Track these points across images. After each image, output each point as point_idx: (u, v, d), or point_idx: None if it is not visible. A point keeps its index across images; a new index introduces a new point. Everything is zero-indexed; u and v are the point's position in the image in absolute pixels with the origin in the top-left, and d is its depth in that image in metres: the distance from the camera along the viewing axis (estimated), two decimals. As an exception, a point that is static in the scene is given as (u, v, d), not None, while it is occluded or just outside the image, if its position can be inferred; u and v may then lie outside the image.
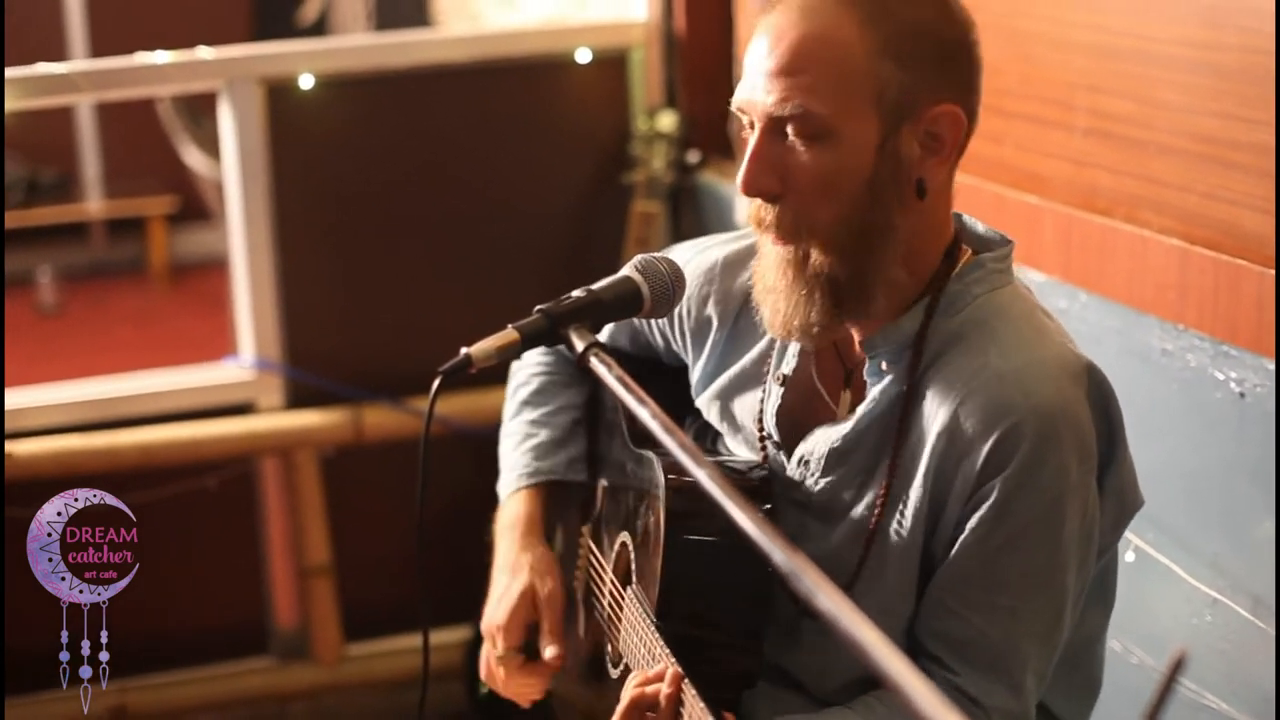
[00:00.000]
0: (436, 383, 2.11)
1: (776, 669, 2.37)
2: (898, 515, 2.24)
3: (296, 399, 4.52)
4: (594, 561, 2.65)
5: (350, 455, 4.55)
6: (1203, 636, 2.87)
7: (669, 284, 2.24)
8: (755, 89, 2.16)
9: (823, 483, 2.31)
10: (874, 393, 2.26)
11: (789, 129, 2.14)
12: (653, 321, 2.60)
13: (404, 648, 4.59)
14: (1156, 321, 2.93)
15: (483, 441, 4.40)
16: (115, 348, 7.46)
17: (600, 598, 2.59)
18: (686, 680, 2.14)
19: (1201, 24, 2.83)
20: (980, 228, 2.34)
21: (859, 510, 2.28)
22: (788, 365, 2.38)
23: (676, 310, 2.51)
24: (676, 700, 2.15)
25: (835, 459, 2.29)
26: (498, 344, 2.14)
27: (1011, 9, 3.34)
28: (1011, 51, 3.31)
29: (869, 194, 2.15)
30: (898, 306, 2.24)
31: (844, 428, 2.28)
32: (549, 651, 2.53)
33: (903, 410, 2.23)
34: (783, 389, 2.38)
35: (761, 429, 2.40)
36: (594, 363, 2.09)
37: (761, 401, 2.41)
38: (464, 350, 2.12)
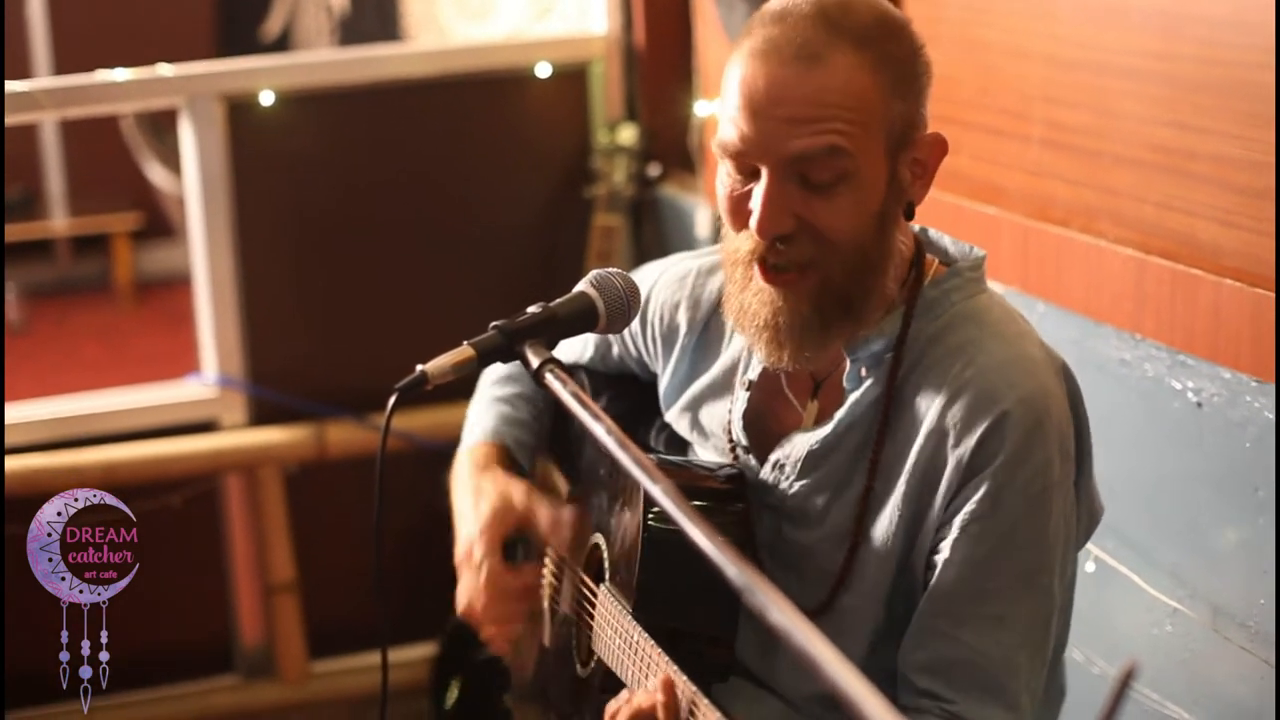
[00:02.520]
0: (392, 400, 2.14)
1: (751, 671, 2.38)
2: (879, 518, 2.25)
3: (260, 416, 4.51)
4: (560, 565, 2.65)
5: (314, 472, 4.55)
6: (1163, 646, 2.88)
7: (624, 299, 2.25)
8: (767, 138, 2.14)
9: (798, 486, 2.32)
10: (854, 397, 2.28)
11: (810, 173, 2.15)
12: (625, 332, 2.61)
13: (369, 664, 4.58)
14: (1114, 331, 2.94)
15: (446, 457, 4.40)
16: (81, 365, 7.44)
17: (569, 599, 2.59)
18: (698, 695, 2.13)
19: (1157, 35, 2.84)
20: (948, 240, 2.38)
21: (838, 513, 2.29)
22: (753, 371, 2.40)
23: (649, 317, 2.56)
24: (674, 706, 2.14)
25: (812, 462, 2.31)
26: (453, 361, 2.15)
27: (969, 19, 3.35)
28: (969, 62, 3.31)
29: (879, 223, 2.20)
30: (877, 315, 2.27)
31: (822, 431, 2.30)
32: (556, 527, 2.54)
33: (884, 412, 2.26)
34: (748, 394, 2.39)
35: (730, 435, 2.42)
36: (549, 379, 2.10)
37: (729, 409, 2.43)
38: (419, 368, 2.14)
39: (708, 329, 2.49)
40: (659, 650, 2.20)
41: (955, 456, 2.19)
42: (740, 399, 2.41)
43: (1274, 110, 2.60)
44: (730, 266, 2.25)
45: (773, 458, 2.36)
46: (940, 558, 2.20)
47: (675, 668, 2.15)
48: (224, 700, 4.63)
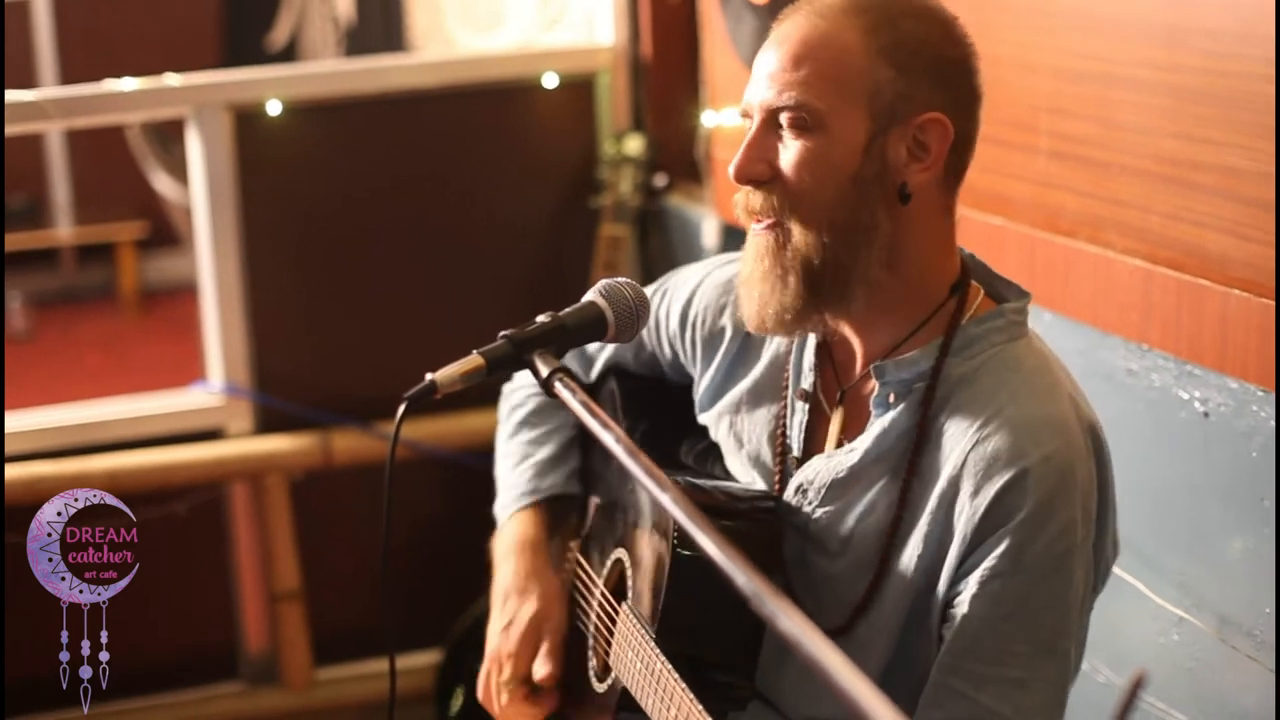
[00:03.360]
0: (401, 409, 2.13)
1: (763, 695, 2.37)
2: (904, 550, 2.24)
3: (266, 424, 4.52)
4: (582, 575, 2.65)
5: (320, 480, 4.55)
6: (1169, 655, 2.88)
7: (633, 309, 2.25)
8: (758, 85, 2.24)
9: (820, 512, 2.31)
10: (881, 424, 2.26)
11: (783, 120, 2.21)
12: (662, 333, 2.62)
13: (374, 672, 4.58)
14: (1121, 342, 2.94)
15: (452, 465, 4.42)
16: (85, 374, 7.45)
17: (587, 611, 2.59)
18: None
19: (1162, 46, 2.85)
20: (996, 278, 2.36)
21: (861, 542, 2.28)
22: (806, 381, 2.39)
23: (691, 318, 2.56)
24: None
25: (837, 490, 2.30)
26: (462, 370, 2.15)
27: (975, 33, 3.33)
28: (976, 74, 3.32)
29: (854, 189, 2.20)
30: (902, 322, 2.28)
31: (849, 459, 2.29)
32: (542, 670, 2.57)
33: (915, 446, 2.24)
34: (808, 405, 2.38)
35: (783, 447, 2.41)
36: (559, 388, 2.10)
37: (779, 418, 2.42)
38: (429, 376, 2.14)
39: (750, 335, 2.48)
40: (680, 682, 2.20)
41: (973, 506, 2.16)
42: (799, 409, 2.39)
43: (1277, 121, 2.61)
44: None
45: (796, 480, 2.35)
46: (959, 612, 2.17)
47: (696, 703, 2.15)
48: (229, 707, 4.64)
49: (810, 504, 2.32)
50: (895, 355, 2.27)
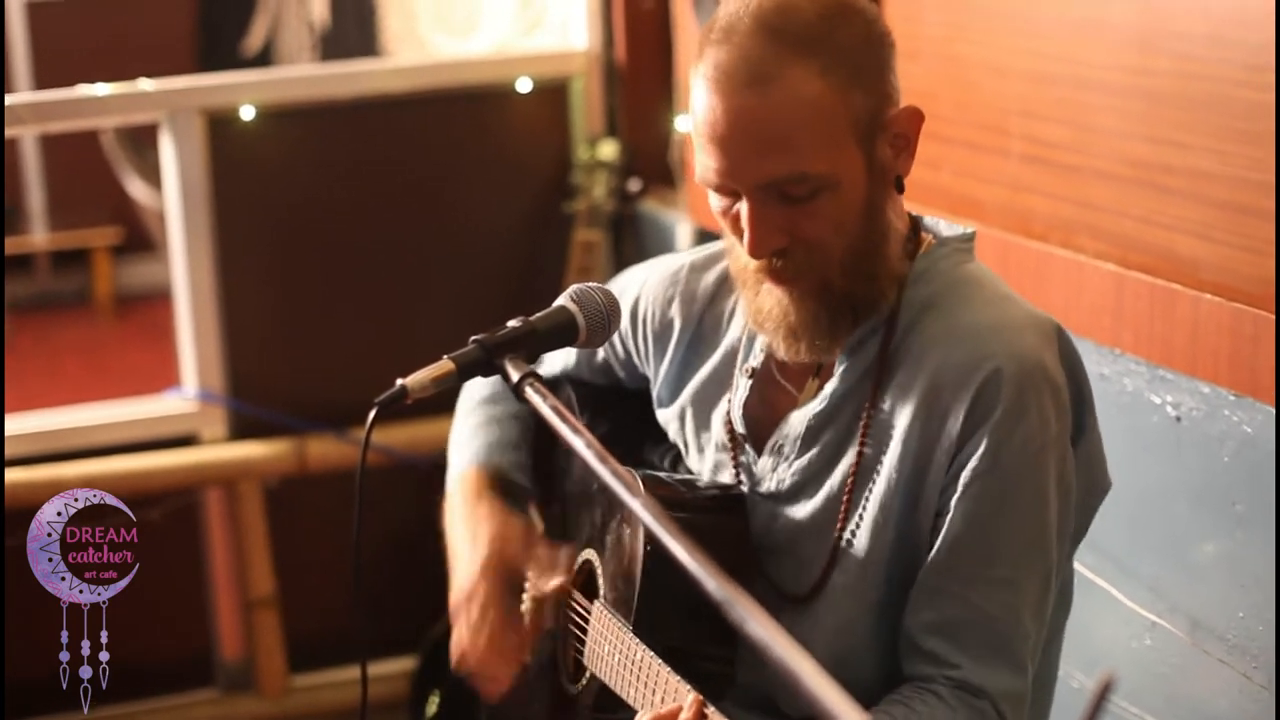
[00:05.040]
0: (372, 415, 2.12)
1: (751, 688, 2.36)
2: (874, 482, 2.26)
3: (240, 430, 4.51)
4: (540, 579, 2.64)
5: (294, 486, 4.54)
6: (1142, 660, 2.88)
7: (604, 314, 2.24)
8: (736, 168, 2.17)
9: (798, 463, 2.33)
10: (844, 366, 2.30)
11: (786, 191, 2.17)
12: (614, 335, 2.61)
13: (349, 679, 4.56)
14: (1093, 346, 2.94)
15: (426, 471, 4.41)
16: (61, 380, 7.43)
17: (555, 615, 2.58)
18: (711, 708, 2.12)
19: (1135, 50, 2.85)
20: (942, 223, 2.39)
21: (834, 481, 2.30)
22: (755, 359, 2.40)
23: (641, 315, 2.56)
24: None
25: (811, 436, 2.32)
26: (433, 375, 2.14)
27: (949, 36, 3.35)
28: (948, 78, 3.32)
29: (867, 209, 2.22)
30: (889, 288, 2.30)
31: (817, 405, 2.31)
32: (548, 582, 2.52)
33: (876, 378, 2.27)
34: (750, 382, 2.40)
35: (728, 425, 2.42)
36: (529, 393, 2.10)
37: (728, 399, 2.43)
38: (399, 382, 2.13)
39: (702, 324, 2.49)
40: (667, 668, 2.20)
41: (952, 414, 2.20)
42: (742, 387, 2.41)
43: (1250, 124, 2.61)
44: (739, 275, 2.30)
45: (771, 441, 2.36)
46: (945, 518, 2.22)
47: (683, 682, 2.15)
48: (204, 714, 4.63)
49: (787, 459, 2.34)
50: None
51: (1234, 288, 2.66)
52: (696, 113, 2.19)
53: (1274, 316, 2.57)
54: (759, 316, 2.29)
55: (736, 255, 2.28)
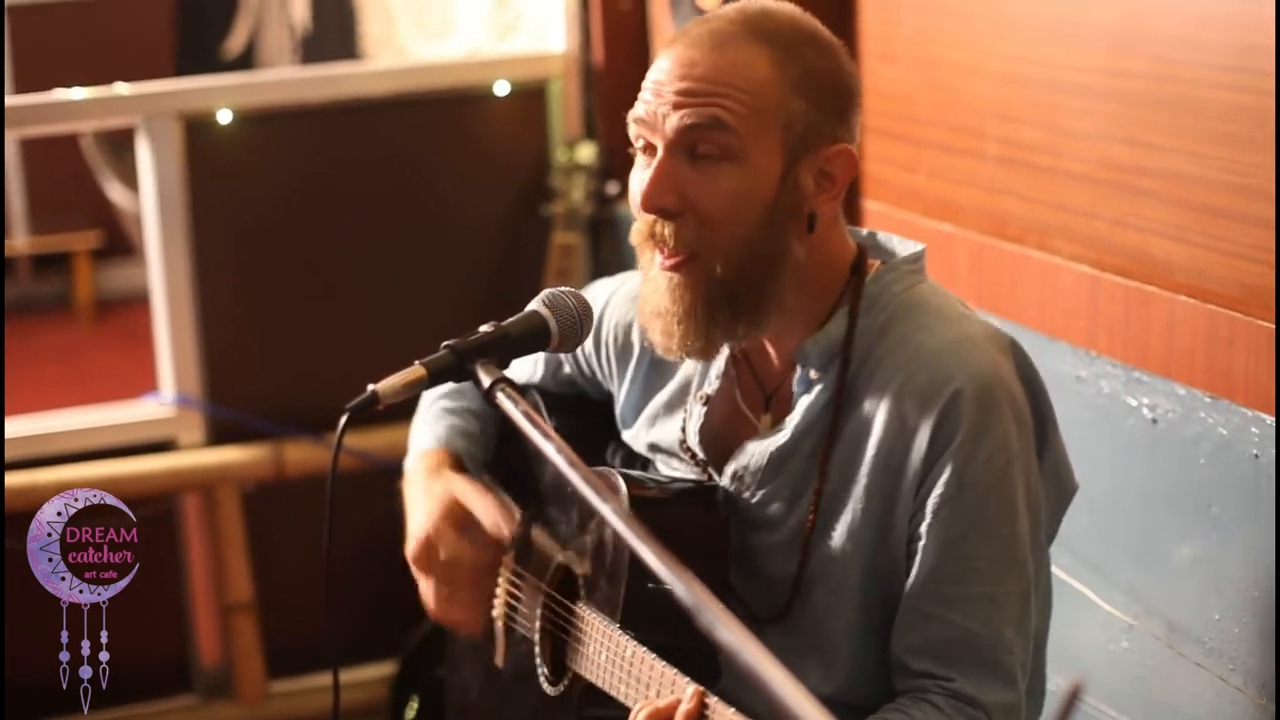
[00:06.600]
0: (343, 420, 2.13)
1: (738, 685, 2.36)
2: (838, 516, 2.27)
3: (217, 435, 4.50)
4: (517, 581, 2.62)
5: (272, 491, 4.53)
6: (1119, 663, 2.88)
7: (577, 318, 2.25)
8: (664, 104, 2.22)
9: (759, 495, 2.34)
10: (806, 401, 2.30)
11: (697, 147, 2.21)
12: (578, 352, 2.62)
13: (328, 684, 4.54)
14: (1069, 348, 2.94)
15: (402, 474, 4.40)
16: (40, 385, 7.41)
17: (530, 616, 2.57)
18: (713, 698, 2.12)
19: (1109, 52, 2.85)
20: (896, 241, 2.39)
21: (796, 517, 2.31)
22: (710, 386, 2.42)
23: (603, 336, 2.58)
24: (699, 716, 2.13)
25: (771, 470, 2.33)
26: (404, 380, 2.15)
27: (924, 39, 3.35)
28: (924, 81, 3.32)
29: (769, 220, 2.22)
30: (812, 321, 2.31)
31: (779, 438, 2.32)
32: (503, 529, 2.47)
33: (834, 411, 2.28)
34: (705, 408, 2.42)
35: (686, 448, 2.43)
36: (500, 398, 2.10)
37: (684, 422, 2.44)
38: (370, 387, 2.13)
39: None
40: (662, 662, 2.20)
41: (916, 441, 2.21)
42: (696, 413, 2.43)
43: (1225, 126, 2.61)
44: (639, 254, 2.31)
45: (730, 469, 2.37)
46: (919, 544, 2.23)
47: (681, 675, 2.15)
48: (182, 720, 4.62)
49: (748, 488, 2.36)
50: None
51: (1209, 290, 2.67)
52: (649, 74, 2.25)
53: (1249, 319, 2.57)
54: (643, 305, 2.31)
55: (635, 229, 2.30)
